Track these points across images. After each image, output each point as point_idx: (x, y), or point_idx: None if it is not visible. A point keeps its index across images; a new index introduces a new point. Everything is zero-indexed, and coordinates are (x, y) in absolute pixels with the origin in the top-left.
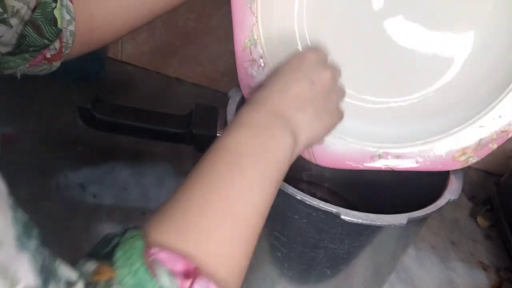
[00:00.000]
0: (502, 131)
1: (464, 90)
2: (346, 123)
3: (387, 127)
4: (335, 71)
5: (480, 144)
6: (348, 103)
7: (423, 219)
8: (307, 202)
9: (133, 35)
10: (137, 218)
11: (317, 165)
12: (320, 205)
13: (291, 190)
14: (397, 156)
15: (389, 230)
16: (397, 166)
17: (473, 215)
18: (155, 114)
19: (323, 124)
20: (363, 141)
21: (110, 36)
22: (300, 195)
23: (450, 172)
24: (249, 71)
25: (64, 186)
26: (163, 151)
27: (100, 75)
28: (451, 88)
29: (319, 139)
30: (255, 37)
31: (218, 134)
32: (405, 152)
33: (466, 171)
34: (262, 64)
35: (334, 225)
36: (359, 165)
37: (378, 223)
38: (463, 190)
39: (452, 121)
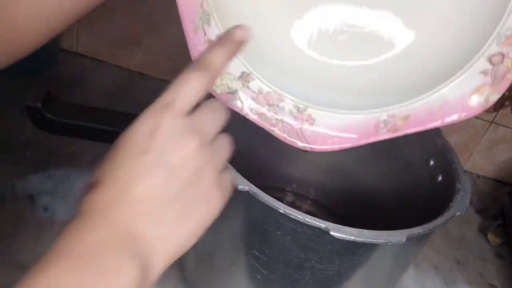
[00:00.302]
0: None
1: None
2: (336, 95)
3: (384, 85)
4: (206, 128)
5: (496, 77)
6: (334, 66)
7: (425, 235)
8: (291, 216)
9: (91, 23)
10: None
11: (312, 152)
12: (306, 219)
13: (272, 202)
14: (406, 117)
15: (386, 248)
16: (409, 129)
17: (482, 230)
18: (116, 114)
19: (194, 224)
20: (362, 109)
21: (29, 46)
22: (283, 208)
23: (456, 182)
24: None
25: (10, 198)
26: None
27: (52, 69)
28: (452, 19)
29: (190, 246)
30: (207, 11)
31: None
32: (413, 110)
33: (475, 180)
34: None
35: (322, 242)
36: (363, 140)
37: (373, 240)
38: (471, 202)
39: (458, 58)
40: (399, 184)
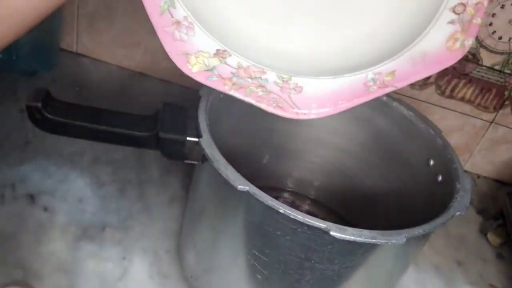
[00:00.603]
0: (477, 3)
1: None
2: (318, 63)
3: (363, 45)
4: None
5: (464, 24)
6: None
7: (425, 236)
8: (291, 216)
9: (91, 23)
10: (96, 234)
11: (309, 120)
12: (307, 219)
13: (272, 202)
14: (392, 72)
15: (386, 248)
16: (398, 83)
17: (482, 231)
18: (116, 115)
19: None
20: (347, 72)
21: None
22: (283, 208)
23: (456, 182)
24: (177, 35)
25: (10, 198)
26: (125, 157)
27: (52, 69)
28: None
29: None
30: None
31: (188, 138)
32: (397, 65)
33: (475, 180)
34: (189, 25)
35: (322, 242)
36: (356, 100)
37: (373, 240)
38: (471, 203)
39: (426, 13)
40: (399, 184)
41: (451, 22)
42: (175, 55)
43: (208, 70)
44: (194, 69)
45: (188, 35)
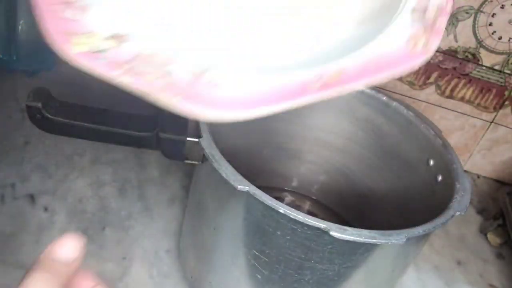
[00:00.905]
0: (439, 7)
1: None
2: (244, 59)
3: (303, 42)
4: None
5: (426, 26)
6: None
7: (425, 236)
8: (291, 216)
9: None
10: (96, 234)
11: (222, 122)
12: (307, 219)
13: (272, 202)
14: (339, 72)
15: (386, 248)
16: (344, 84)
17: (482, 231)
18: (116, 115)
19: None
20: (281, 70)
21: None
22: (283, 208)
23: (456, 182)
24: (65, 15)
25: (10, 198)
26: (125, 157)
27: (52, 69)
28: None
29: None
30: None
31: (188, 138)
32: (344, 65)
33: (475, 180)
34: (84, 7)
35: (322, 242)
36: (289, 101)
37: (373, 240)
38: (471, 203)
39: (383, 11)
40: (399, 184)
41: (411, 23)
42: (56, 33)
43: (96, 52)
44: (75, 49)
45: (83, 16)
